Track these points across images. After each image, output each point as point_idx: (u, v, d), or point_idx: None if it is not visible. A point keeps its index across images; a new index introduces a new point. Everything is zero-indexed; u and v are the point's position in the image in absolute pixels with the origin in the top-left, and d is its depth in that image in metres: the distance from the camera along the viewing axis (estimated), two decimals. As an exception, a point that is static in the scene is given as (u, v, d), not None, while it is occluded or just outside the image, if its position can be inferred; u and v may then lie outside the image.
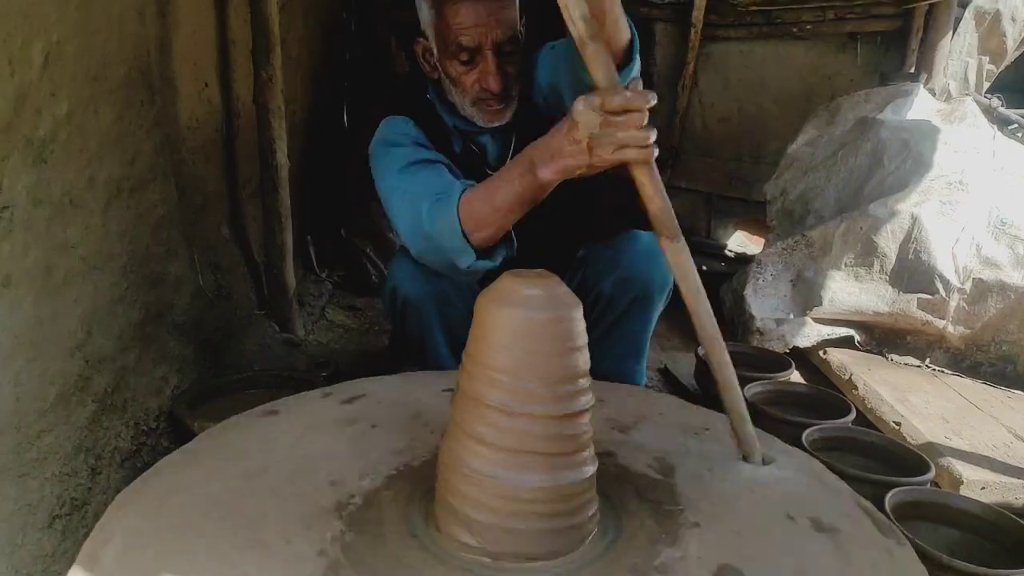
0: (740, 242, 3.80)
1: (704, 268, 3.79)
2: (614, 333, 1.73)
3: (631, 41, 1.38)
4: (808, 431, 1.65)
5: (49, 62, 1.31)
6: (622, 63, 1.38)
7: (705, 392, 2.16)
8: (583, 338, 0.98)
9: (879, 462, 1.65)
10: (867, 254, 2.53)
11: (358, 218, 3.14)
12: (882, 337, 2.56)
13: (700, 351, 2.19)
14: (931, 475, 1.53)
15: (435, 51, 1.56)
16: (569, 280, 1.81)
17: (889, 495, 1.37)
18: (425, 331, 1.66)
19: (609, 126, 1.12)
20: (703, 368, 2.15)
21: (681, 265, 1.10)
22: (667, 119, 3.54)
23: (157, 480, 1.04)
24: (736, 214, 3.79)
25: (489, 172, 1.48)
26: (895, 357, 2.50)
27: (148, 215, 1.73)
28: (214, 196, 2.17)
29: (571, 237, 1.81)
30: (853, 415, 1.83)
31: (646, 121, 1.11)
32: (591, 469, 0.99)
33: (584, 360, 0.98)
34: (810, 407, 1.92)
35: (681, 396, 2.24)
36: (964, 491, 1.69)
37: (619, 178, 1.67)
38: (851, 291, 2.54)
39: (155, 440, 1.67)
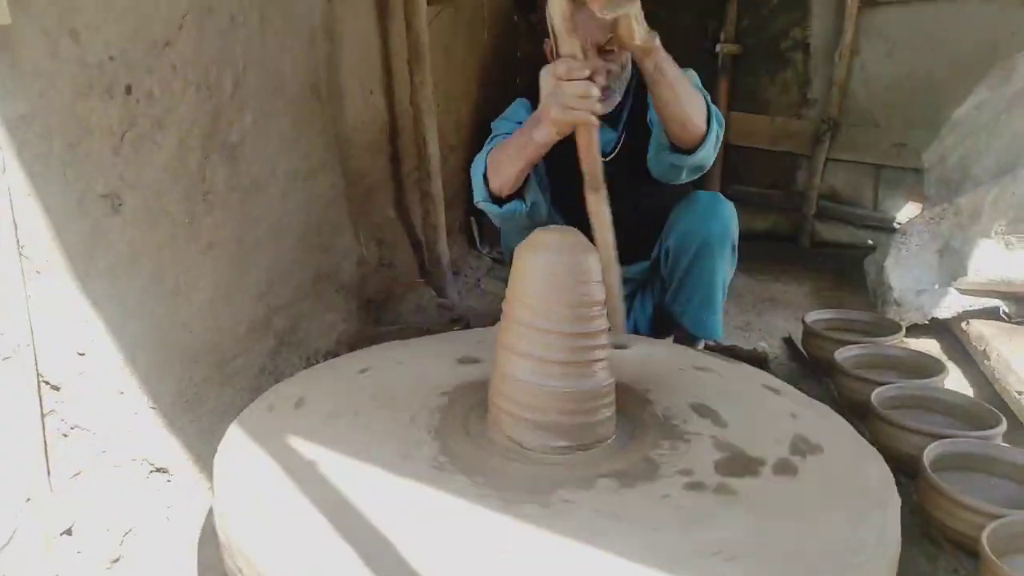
0: (911, 214, 3.59)
1: (870, 242, 3.65)
2: (685, 286, 1.88)
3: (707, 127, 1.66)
4: (882, 388, 1.70)
5: (237, 86, 1.79)
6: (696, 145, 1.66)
7: (811, 356, 2.23)
8: (596, 275, 1.23)
9: (957, 419, 1.67)
10: (1019, 220, 2.38)
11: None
12: (1034, 309, 2.40)
13: (806, 318, 2.25)
14: (1000, 429, 1.53)
15: (556, 51, 1.85)
16: (655, 253, 2.01)
17: (930, 446, 1.43)
18: None
19: (558, 88, 1.43)
20: (808, 333, 2.22)
21: (598, 213, 1.41)
22: (824, 90, 3.46)
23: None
24: (907, 184, 3.60)
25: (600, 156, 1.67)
26: (1048, 330, 2.34)
27: (319, 198, 2.20)
28: (378, 183, 2.64)
29: (652, 228, 2.00)
30: (945, 375, 1.83)
31: (593, 91, 1.41)
32: (604, 379, 1.23)
33: (599, 292, 1.24)
34: (906, 370, 1.93)
35: (797, 361, 2.34)
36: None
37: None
38: (1000, 260, 2.41)
39: (323, 373, 2.14)
